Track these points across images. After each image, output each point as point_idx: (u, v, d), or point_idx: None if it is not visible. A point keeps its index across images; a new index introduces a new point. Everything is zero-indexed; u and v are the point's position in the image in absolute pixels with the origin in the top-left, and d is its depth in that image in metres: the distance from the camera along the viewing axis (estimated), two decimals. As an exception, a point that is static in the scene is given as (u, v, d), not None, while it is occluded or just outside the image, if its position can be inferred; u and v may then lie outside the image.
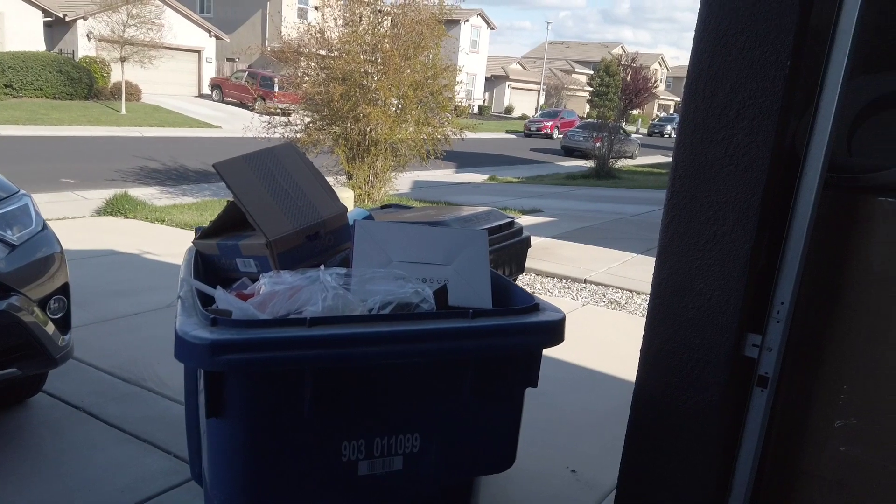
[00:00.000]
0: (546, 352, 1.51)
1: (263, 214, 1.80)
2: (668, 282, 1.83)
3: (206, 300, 1.50)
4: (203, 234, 2.10)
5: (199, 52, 30.65)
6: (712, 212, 1.73)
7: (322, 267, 1.44)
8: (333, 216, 1.80)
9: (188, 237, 2.47)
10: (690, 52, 1.72)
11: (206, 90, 30.67)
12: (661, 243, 1.84)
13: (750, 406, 1.82)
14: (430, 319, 1.32)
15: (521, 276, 6.54)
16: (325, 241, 1.75)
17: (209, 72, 31.42)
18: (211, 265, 1.98)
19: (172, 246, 6.46)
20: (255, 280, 1.68)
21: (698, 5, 1.71)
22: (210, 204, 9.37)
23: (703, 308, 1.79)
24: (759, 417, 1.81)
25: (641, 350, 1.92)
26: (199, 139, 19.90)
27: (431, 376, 1.36)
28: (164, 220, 7.80)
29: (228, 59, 32.03)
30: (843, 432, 1.84)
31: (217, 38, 31.11)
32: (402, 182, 11.84)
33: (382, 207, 3.16)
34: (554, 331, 1.43)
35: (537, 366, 1.49)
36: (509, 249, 2.71)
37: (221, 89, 29.56)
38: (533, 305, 1.46)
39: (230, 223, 2.07)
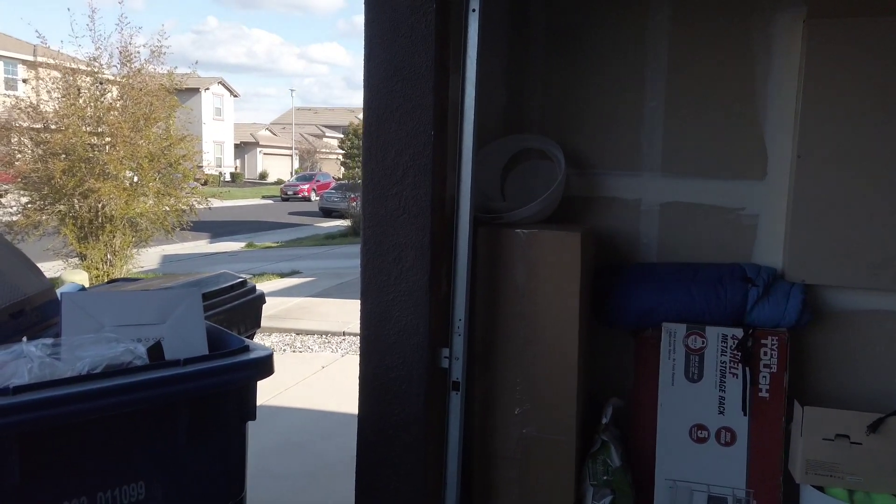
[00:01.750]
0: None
1: (-40, 300, 1.76)
2: (372, 314, 2.16)
3: None
4: None
5: None
6: (396, 253, 2.11)
7: (24, 339, 1.49)
8: (38, 292, 1.82)
9: None
10: (362, 123, 2.12)
11: None
12: (363, 283, 2.17)
13: (449, 408, 2.21)
14: (141, 371, 1.46)
15: (279, 336, 6.61)
16: (31, 317, 1.76)
17: None
18: None
19: None
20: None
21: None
22: None
23: (401, 332, 2.14)
24: (458, 416, 2.20)
25: (360, 376, 2.21)
26: None
27: (149, 424, 1.48)
28: None
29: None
30: (520, 418, 2.31)
31: None
32: (148, 258, 11.15)
33: (108, 283, 3.11)
34: (262, 365, 1.65)
35: (253, 399, 1.69)
36: (243, 307, 2.88)
37: None
38: (242, 347, 1.67)
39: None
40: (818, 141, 2.29)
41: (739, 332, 2.25)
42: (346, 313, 7.34)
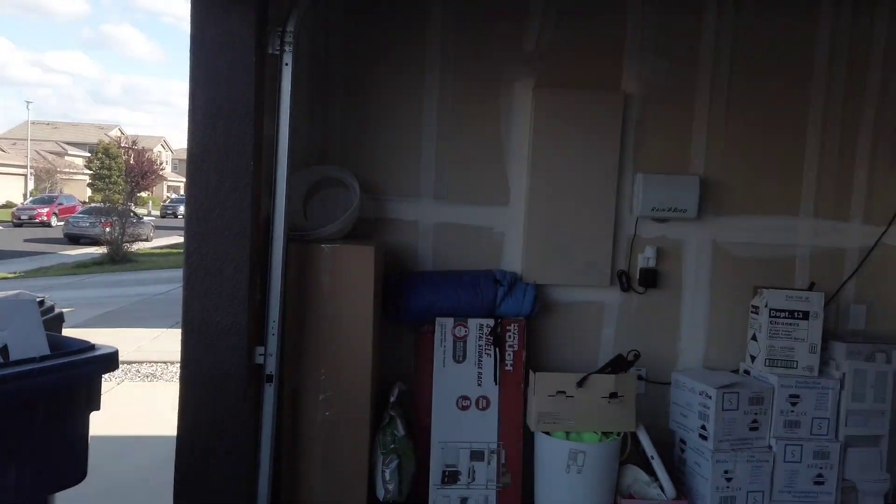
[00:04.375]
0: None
1: None
2: (195, 319, 2.45)
3: None
4: None
5: None
6: (218, 265, 2.44)
7: None
8: None
9: None
10: (187, 151, 2.43)
11: None
12: (186, 291, 2.45)
13: (264, 398, 2.57)
14: (7, 367, 1.63)
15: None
16: None
17: None
18: None
19: None
20: None
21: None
22: None
23: (221, 334, 2.46)
24: (271, 405, 2.57)
25: (181, 377, 2.48)
26: None
27: (10, 414, 1.65)
28: None
29: None
30: (324, 403, 2.75)
31: None
32: None
33: None
34: (110, 360, 1.89)
35: (98, 391, 1.91)
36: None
37: None
38: (90, 346, 1.89)
39: None
40: (543, 178, 3.11)
41: (491, 322, 2.96)
42: (117, 342, 7.00)
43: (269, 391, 2.58)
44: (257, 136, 2.44)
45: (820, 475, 2.93)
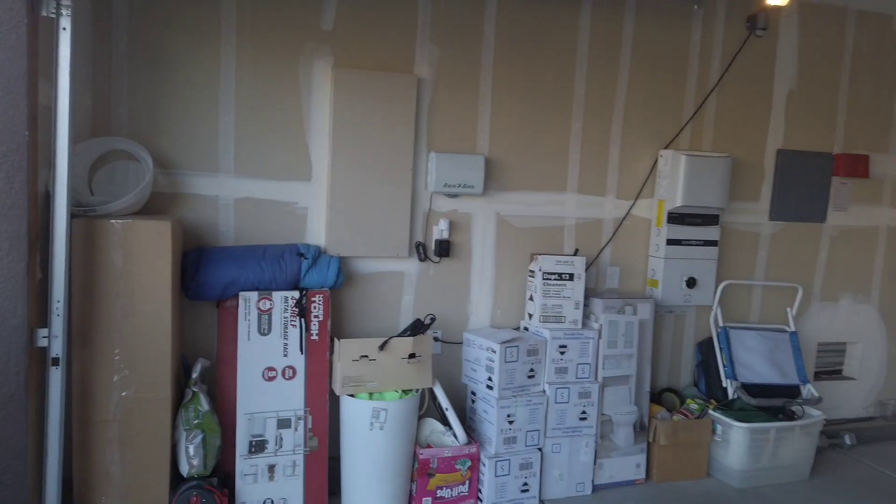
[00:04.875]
0: None
1: None
2: (-37, 304, 2.24)
3: None
4: None
5: None
6: (-10, 242, 2.25)
7: None
8: None
9: None
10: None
11: None
12: (-52, 274, 2.23)
13: (49, 382, 2.43)
14: None
15: None
16: None
17: None
18: None
19: None
20: None
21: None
22: None
23: (-2, 316, 2.29)
24: (58, 388, 2.44)
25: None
26: None
27: None
28: None
29: None
30: (120, 383, 2.66)
31: None
32: None
33: None
34: None
35: None
36: None
37: None
38: None
39: None
40: (344, 155, 3.24)
41: (296, 294, 3.05)
42: None
43: (56, 375, 2.44)
44: (31, 105, 2.27)
45: (584, 412, 3.45)
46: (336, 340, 3.09)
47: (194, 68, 3.03)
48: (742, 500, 3.49)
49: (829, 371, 4.53)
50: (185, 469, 2.81)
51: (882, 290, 4.47)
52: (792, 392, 3.88)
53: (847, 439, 4.25)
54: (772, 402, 3.77)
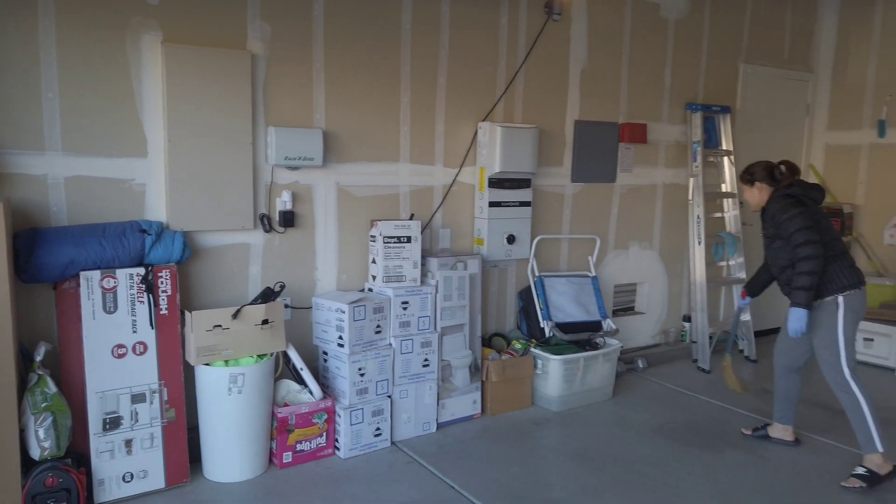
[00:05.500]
0: None
1: None
2: None
3: None
4: None
5: None
6: None
7: None
8: None
9: None
10: None
11: None
12: None
13: None
14: None
15: None
16: None
17: None
18: None
19: None
20: None
21: None
22: None
23: None
24: None
25: None
26: None
27: None
28: None
29: None
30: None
31: None
32: None
33: None
34: None
35: None
36: None
37: None
38: None
39: None
40: (181, 130, 3.27)
41: (142, 271, 3.06)
42: None
43: None
44: None
45: (426, 359, 3.84)
46: (187, 313, 3.16)
47: (11, 48, 2.88)
48: (560, 421, 4.12)
49: (624, 308, 5.37)
50: (35, 452, 2.76)
51: (661, 238, 5.36)
52: (595, 327, 4.59)
53: (640, 363, 5.11)
54: (579, 337, 4.44)
